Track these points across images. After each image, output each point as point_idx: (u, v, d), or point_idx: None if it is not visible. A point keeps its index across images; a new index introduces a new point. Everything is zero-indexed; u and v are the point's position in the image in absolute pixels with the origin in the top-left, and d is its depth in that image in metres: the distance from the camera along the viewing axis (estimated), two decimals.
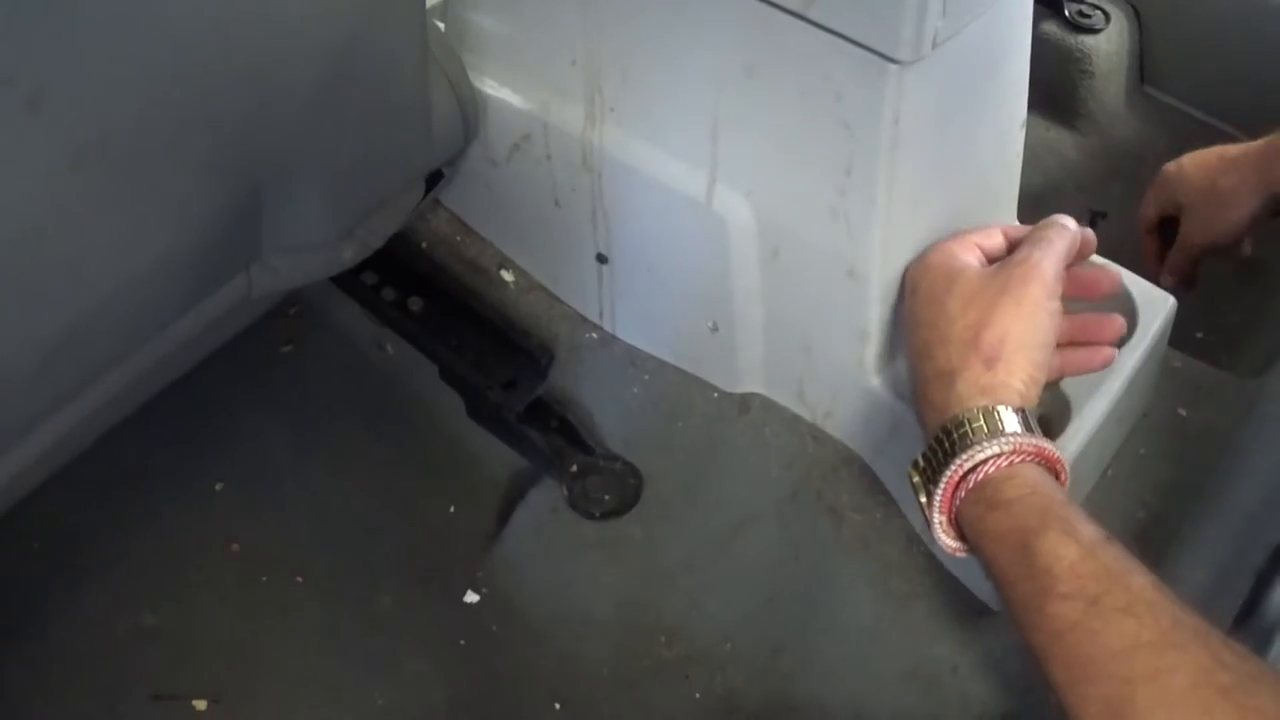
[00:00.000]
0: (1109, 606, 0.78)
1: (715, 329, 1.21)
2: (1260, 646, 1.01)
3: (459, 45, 1.24)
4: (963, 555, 0.95)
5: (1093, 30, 1.79)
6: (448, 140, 1.25)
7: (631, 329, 1.32)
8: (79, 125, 0.83)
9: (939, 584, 1.16)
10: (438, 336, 1.38)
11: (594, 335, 1.34)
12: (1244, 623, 1.04)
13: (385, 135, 1.13)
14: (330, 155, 1.07)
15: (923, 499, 0.95)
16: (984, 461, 0.90)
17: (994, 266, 1.02)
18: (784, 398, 1.25)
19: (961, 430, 0.93)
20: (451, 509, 1.35)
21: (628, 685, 1.20)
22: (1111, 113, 1.81)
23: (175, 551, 1.31)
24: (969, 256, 1.04)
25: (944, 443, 0.93)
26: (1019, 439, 0.91)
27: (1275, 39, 1.70)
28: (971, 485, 0.91)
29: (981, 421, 0.92)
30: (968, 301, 0.99)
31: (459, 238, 1.42)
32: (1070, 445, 1.09)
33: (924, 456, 0.96)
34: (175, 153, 0.92)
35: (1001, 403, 0.93)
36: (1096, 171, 1.79)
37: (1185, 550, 1.12)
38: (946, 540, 0.94)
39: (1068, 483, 0.94)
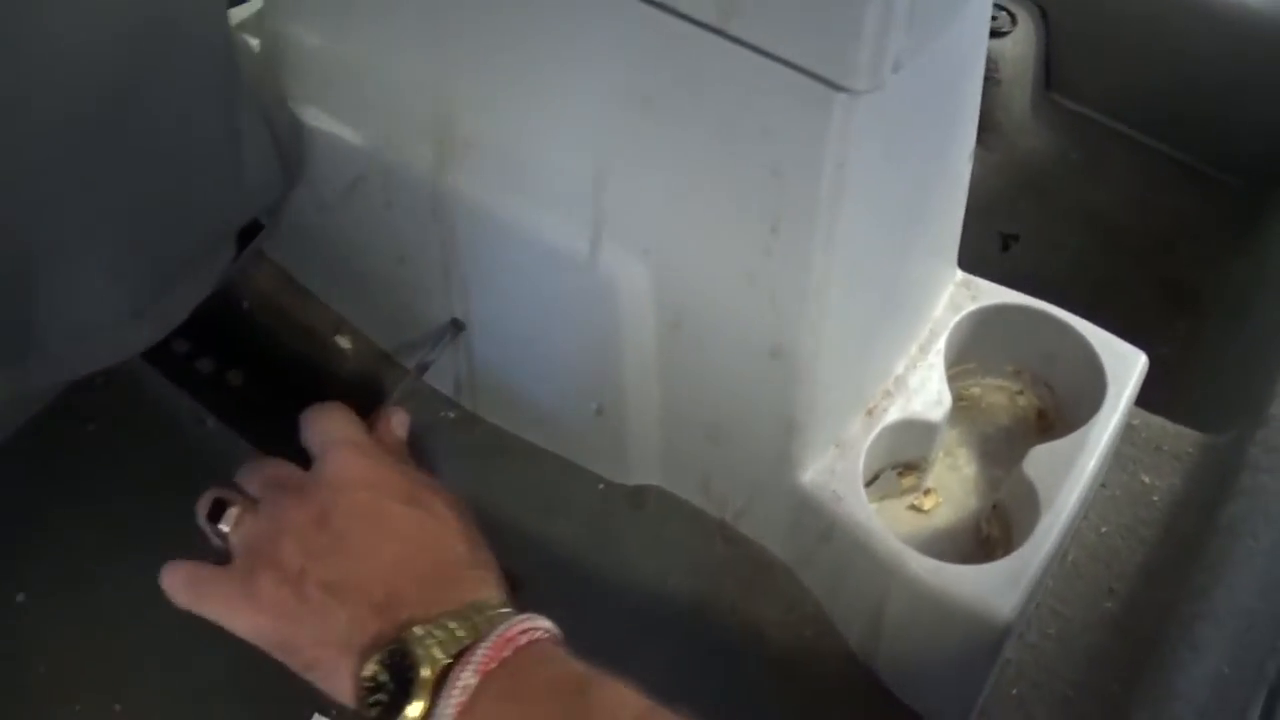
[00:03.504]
0: None
1: (600, 411, 0.99)
2: None
3: (277, 67, 0.99)
4: None
5: (999, 33, 1.59)
6: (263, 186, 0.99)
7: (497, 408, 1.09)
8: None
9: (884, 714, 0.98)
10: (262, 415, 1.15)
11: (451, 415, 1.11)
12: None
13: (183, 186, 0.88)
14: (113, 216, 0.83)
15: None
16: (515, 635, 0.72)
17: None
18: (686, 491, 1.03)
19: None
20: None
21: None
22: (1018, 123, 1.65)
23: None
24: None
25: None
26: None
27: (1188, 36, 1.56)
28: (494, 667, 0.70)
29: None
30: None
31: (287, 297, 1.17)
32: (1045, 543, 0.90)
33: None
34: None
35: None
36: (1004, 189, 1.63)
37: (1179, 660, 0.92)
38: None
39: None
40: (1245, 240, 1.54)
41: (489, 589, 0.78)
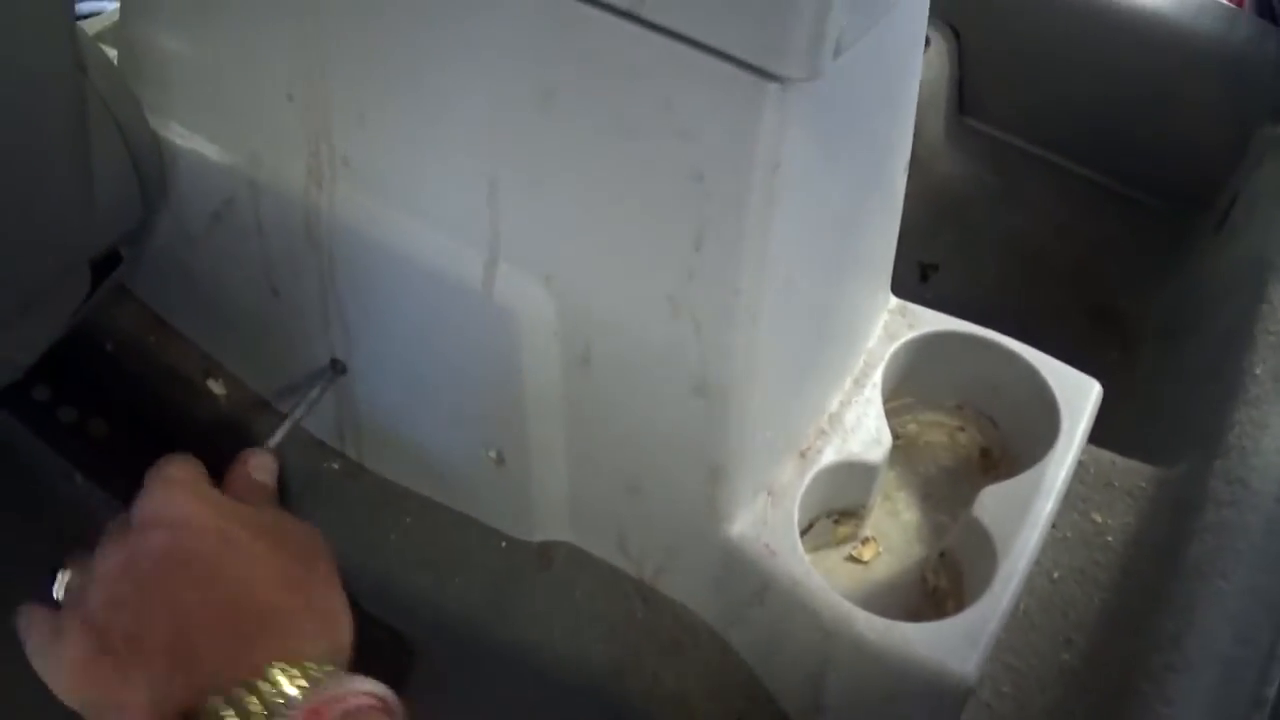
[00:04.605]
0: None
1: (501, 460, 0.86)
2: None
3: (136, 79, 0.85)
4: None
5: None
6: (120, 211, 0.86)
7: (384, 458, 0.96)
8: None
9: None
10: (128, 470, 0.99)
11: (335, 465, 0.98)
12: None
13: (20, 210, 0.75)
14: None
15: None
16: None
17: None
18: (599, 548, 0.91)
19: None
20: None
21: None
22: (932, 149, 1.55)
23: None
24: None
25: None
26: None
27: (1105, 57, 1.47)
28: None
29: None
30: None
31: (153, 337, 1.03)
32: (1005, 594, 0.80)
33: None
34: None
35: None
36: (921, 217, 1.52)
37: (1154, 717, 0.81)
38: None
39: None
40: (1172, 263, 1.46)
41: (313, 642, 0.65)
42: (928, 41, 1.51)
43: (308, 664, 0.62)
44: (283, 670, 0.60)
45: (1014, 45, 1.53)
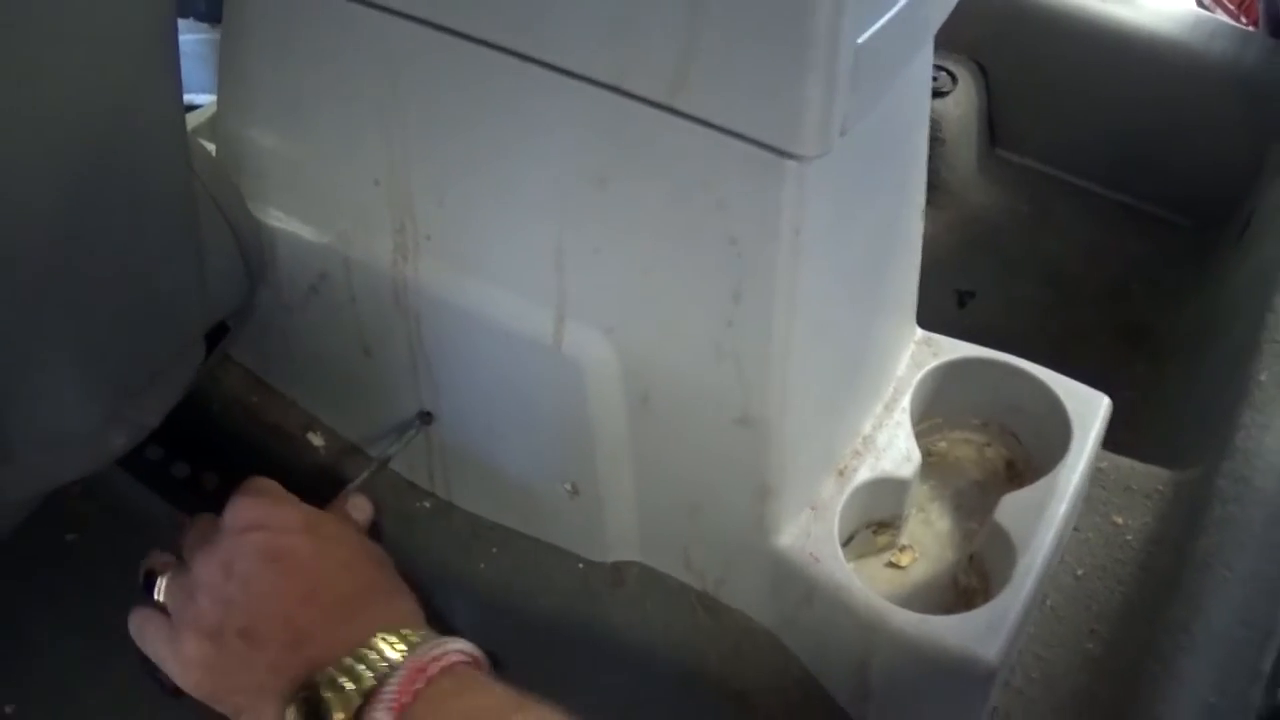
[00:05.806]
0: None
1: (575, 492, 0.97)
2: None
3: (235, 170, 0.98)
4: None
5: (940, 93, 1.58)
6: (228, 289, 0.98)
7: (471, 495, 1.06)
8: None
9: None
10: None
11: (426, 504, 1.09)
12: None
13: (146, 294, 0.87)
14: (78, 327, 0.81)
15: None
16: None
17: None
18: (666, 565, 1.01)
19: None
20: None
21: None
22: (965, 181, 1.63)
23: None
24: None
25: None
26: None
27: (1126, 83, 1.57)
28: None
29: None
30: None
31: (256, 398, 1.14)
32: (1023, 587, 0.89)
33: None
34: None
35: None
36: (957, 247, 1.61)
37: (1163, 694, 0.91)
38: None
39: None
40: (1198, 280, 1.54)
41: (401, 613, 0.76)
42: (955, 79, 1.61)
43: (405, 630, 0.72)
44: (384, 638, 0.71)
45: (1038, 78, 1.62)
